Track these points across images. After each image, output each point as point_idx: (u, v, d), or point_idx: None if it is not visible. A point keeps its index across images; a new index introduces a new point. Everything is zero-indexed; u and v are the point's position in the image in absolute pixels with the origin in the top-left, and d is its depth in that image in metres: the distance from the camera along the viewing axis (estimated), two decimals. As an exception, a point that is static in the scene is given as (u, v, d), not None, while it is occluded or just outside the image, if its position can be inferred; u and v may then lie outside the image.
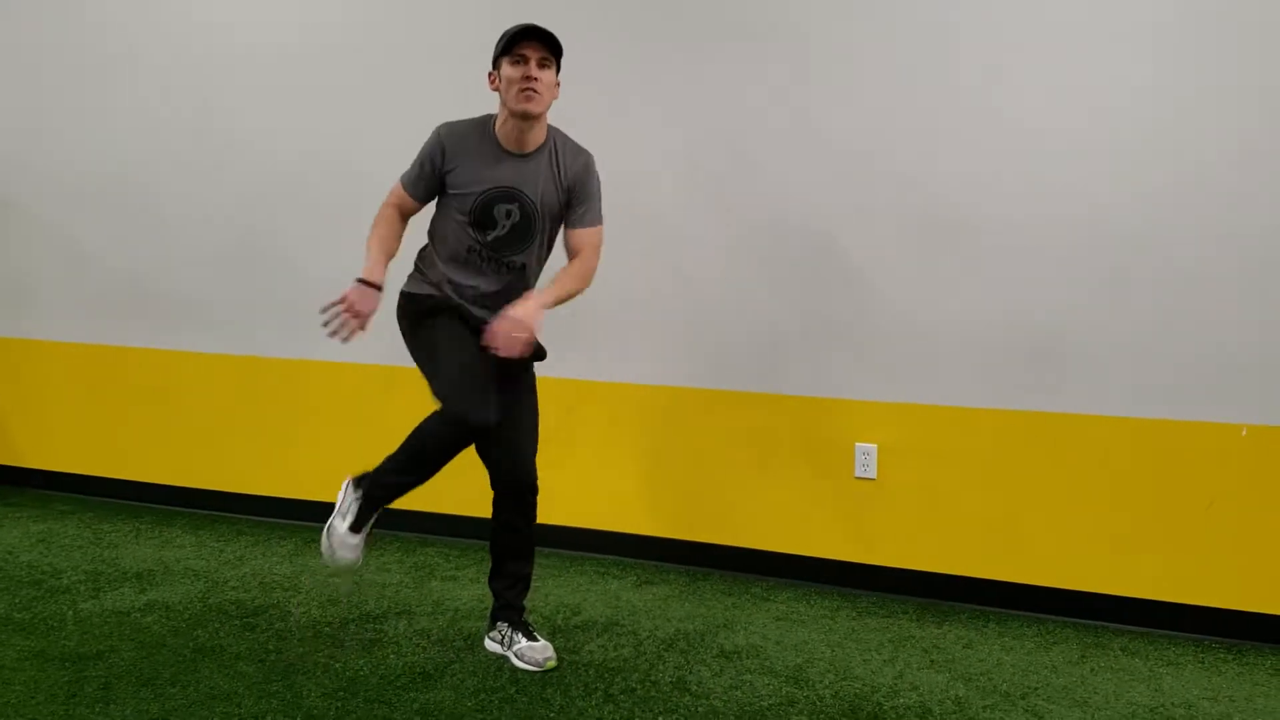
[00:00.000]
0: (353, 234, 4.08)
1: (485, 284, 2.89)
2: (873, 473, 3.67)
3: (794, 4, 3.67)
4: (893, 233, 3.59)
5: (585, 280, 2.90)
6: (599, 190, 2.94)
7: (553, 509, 3.96)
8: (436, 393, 2.79)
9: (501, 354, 2.70)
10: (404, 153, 2.96)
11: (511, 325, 2.69)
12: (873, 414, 3.66)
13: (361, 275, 2.82)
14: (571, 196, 2.90)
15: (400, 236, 2.96)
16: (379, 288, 2.83)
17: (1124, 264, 3.35)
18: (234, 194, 4.47)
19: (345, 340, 2.81)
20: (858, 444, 3.68)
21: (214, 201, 4.51)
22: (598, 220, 2.94)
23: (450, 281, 2.89)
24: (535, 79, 2.74)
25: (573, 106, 3.90)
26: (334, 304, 2.79)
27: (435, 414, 2.78)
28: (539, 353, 3.02)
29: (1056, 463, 3.45)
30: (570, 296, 2.85)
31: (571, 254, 2.93)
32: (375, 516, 2.93)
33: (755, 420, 3.80)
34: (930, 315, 3.56)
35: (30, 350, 4.88)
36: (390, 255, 2.91)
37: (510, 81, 2.76)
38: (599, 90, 3.90)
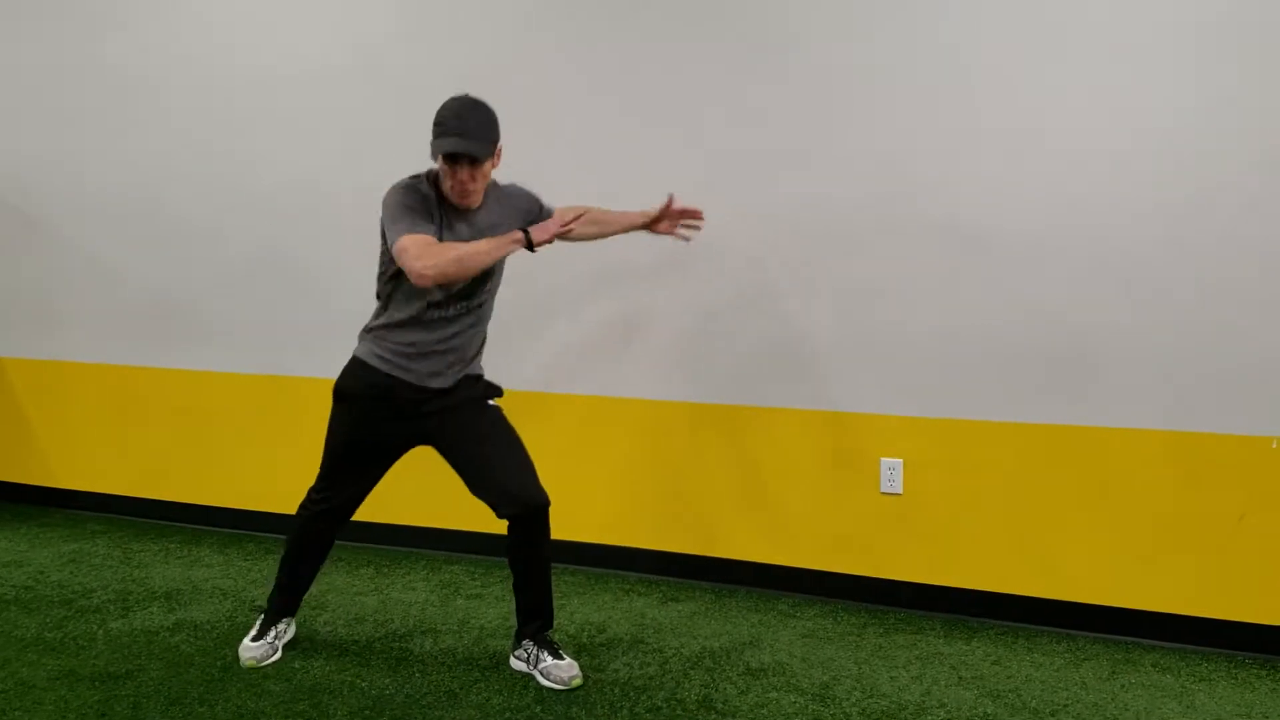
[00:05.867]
0: (376, 253, 4.12)
1: (444, 334, 2.94)
2: (899, 488, 3.65)
3: (813, 17, 3.67)
4: (916, 245, 3.58)
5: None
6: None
7: (577, 526, 3.98)
8: (317, 480, 3.13)
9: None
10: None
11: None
12: (898, 428, 3.64)
13: (518, 240, 2.84)
14: (529, 216, 3.04)
15: None
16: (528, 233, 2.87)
17: (1149, 274, 3.32)
18: (259, 215, 4.51)
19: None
20: (883, 459, 3.67)
21: (239, 223, 4.56)
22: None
23: (404, 352, 2.94)
24: (467, 182, 2.81)
25: (593, 121, 3.95)
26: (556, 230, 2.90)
27: (299, 511, 3.17)
28: (496, 391, 3.11)
29: (1084, 476, 3.42)
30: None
31: (574, 224, 3.05)
32: (276, 623, 3.21)
33: (780, 435, 3.79)
34: (955, 328, 3.55)
35: (60, 371, 4.94)
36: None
37: (445, 175, 2.83)
38: (617, 105, 3.92)
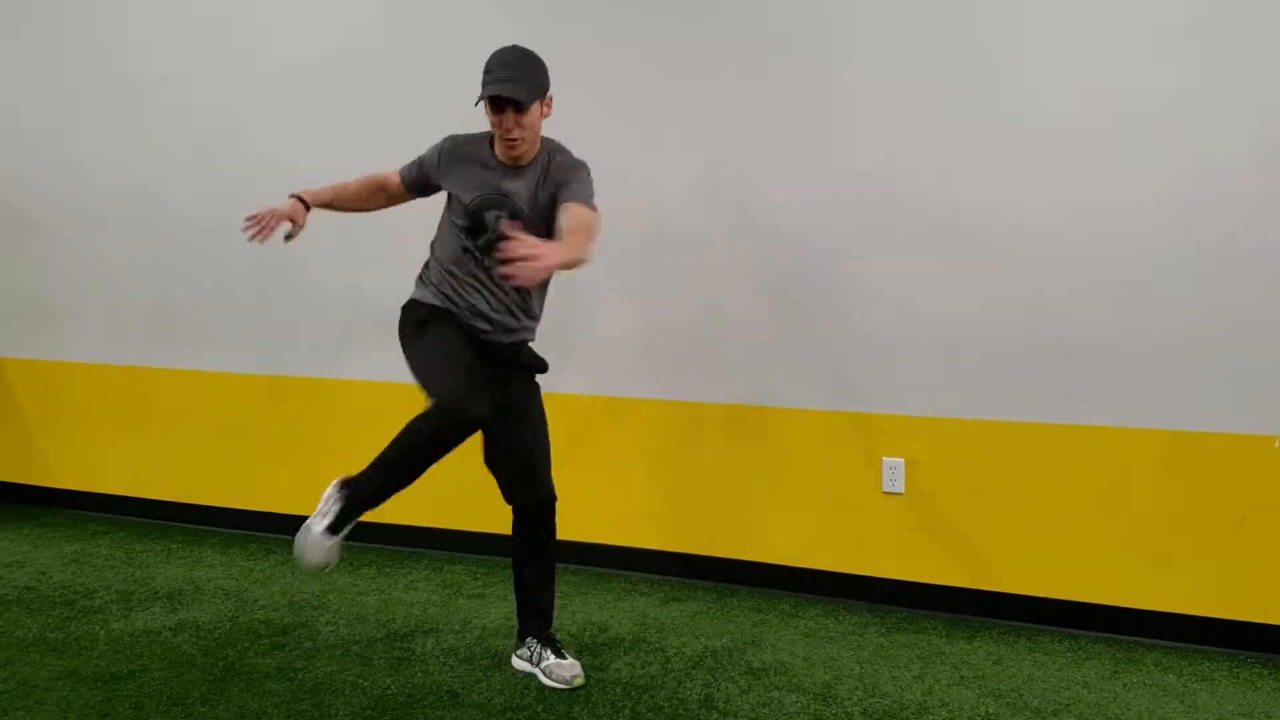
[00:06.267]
0: (377, 253, 4.12)
1: (481, 292, 2.94)
2: (900, 487, 3.64)
3: (813, 17, 3.67)
4: (917, 245, 3.58)
5: (582, 246, 2.72)
6: (589, 184, 2.89)
7: (579, 526, 3.98)
8: (432, 391, 2.78)
9: (516, 279, 2.56)
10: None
11: (528, 251, 2.53)
12: (900, 428, 3.64)
13: (296, 191, 3.09)
14: (559, 187, 2.87)
15: (364, 200, 3.16)
16: (306, 205, 3.09)
17: (1152, 273, 3.32)
18: (261, 215, 4.51)
19: (255, 240, 3.08)
20: (885, 458, 3.66)
21: (240, 222, 4.54)
22: (587, 198, 2.85)
23: (449, 289, 2.96)
24: (512, 129, 2.81)
25: (593, 121, 3.93)
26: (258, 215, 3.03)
27: (427, 410, 2.76)
28: (540, 365, 3.09)
29: (1086, 476, 3.42)
30: (574, 258, 2.67)
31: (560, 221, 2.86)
32: (354, 522, 2.88)
33: (782, 435, 3.79)
34: (956, 328, 3.54)
35: (61, 372, 4.94)
36: (339, 200, 3.17)
37: (493, 126, 2.86)
38: (617, 105, 3.92)
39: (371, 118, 4.28)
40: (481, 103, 2.84)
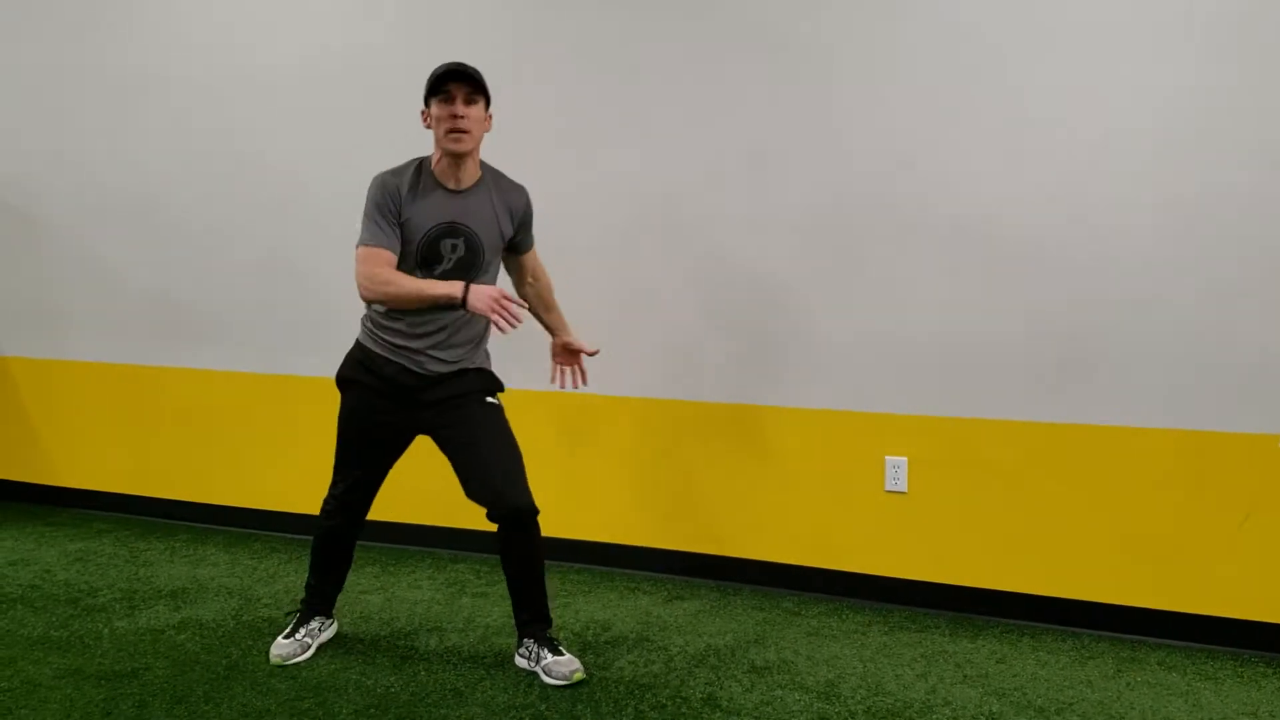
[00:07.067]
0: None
1: (430, 325, 2.95)
2: (903, 486, 3.65)
3: (816, 13, 3.67)
4: (919, 244, 3.58)
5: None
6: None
7: (582, 524, 3.98)
8: (334, 470, 3.14)
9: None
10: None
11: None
12: (903, 427, 3.64)
13: (454, 293, 2.79)
14: (520, 226, 3.07)
15: None
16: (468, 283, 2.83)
17: (1152, 272, 3.31)
18: (262, 214, 4.51)
19: (516, 326, 2.75)
20: (888, 457, 3.66)
21: (242, 221, 4.56)
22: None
23: (395, 335, 2.97)
24: (462, 117, 2.84)
25: (593, 122, 3.94)
26: (499, 317, 2.74)
27: (319, 517, 3.19)
28: (490, 387, 3.10)
29: (1089, 475, 3.42)
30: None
31: (529, 274, 3.20)
32: (308, 622, 3.22)
33: (785, 433, 3.79)
34: (958, 327, 3.54)
35: (64, 371, 4.94)
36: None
37: (439, 120, 2.87)
38: (618, 106, 3.92)
39: (372, 118, 4.28)
40: (424, 110, 2.91)
